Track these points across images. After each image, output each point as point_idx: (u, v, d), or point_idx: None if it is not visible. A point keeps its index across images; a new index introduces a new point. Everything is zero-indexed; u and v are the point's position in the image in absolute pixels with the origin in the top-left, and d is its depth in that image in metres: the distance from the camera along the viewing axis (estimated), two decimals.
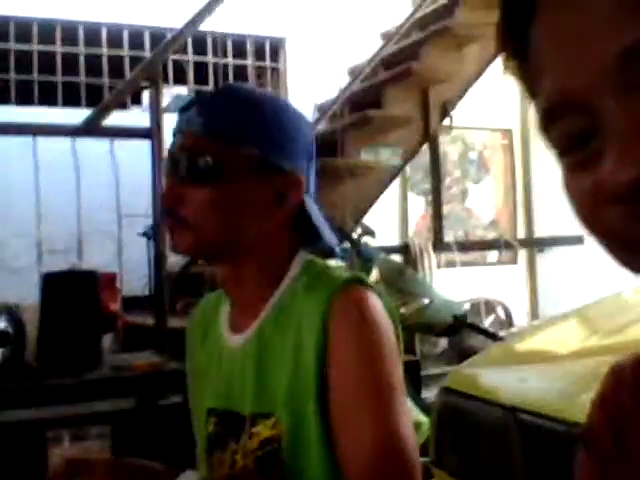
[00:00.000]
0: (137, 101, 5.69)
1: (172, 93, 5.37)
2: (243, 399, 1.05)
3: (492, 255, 6.47)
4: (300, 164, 1.07)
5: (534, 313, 6.34)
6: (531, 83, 0.43)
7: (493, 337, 3.81)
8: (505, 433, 2.16)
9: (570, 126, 0.39)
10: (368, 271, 3.55)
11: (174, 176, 1.04)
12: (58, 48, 5.59)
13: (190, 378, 1.22)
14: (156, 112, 3.22)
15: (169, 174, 1.06)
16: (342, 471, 0.95)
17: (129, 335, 3.17)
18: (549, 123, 0.41)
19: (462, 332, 4.02)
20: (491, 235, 6.48)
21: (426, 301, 3.70)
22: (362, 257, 3.64)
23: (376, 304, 0.99)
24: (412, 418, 0.99)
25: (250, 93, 1.07)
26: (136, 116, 4.47)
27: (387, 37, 5.16)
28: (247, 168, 1.03)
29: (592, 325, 2.82)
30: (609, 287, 2.91)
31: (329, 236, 1.11)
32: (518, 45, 0.43)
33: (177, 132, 1.07)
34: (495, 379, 2.43)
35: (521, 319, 6.02)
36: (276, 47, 6.04)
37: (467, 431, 2.36)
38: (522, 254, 6.57)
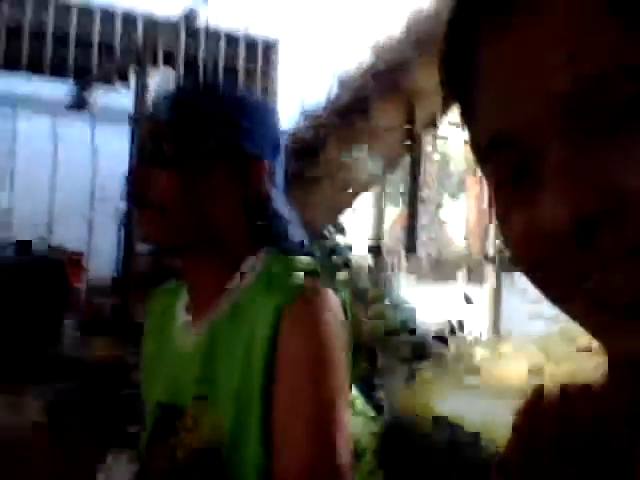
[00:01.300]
0: (126, 84, 5.65)
1: (161, 76, 5.34)
2: (188, 393, 1.05)
3: (460, 272, 6.52)
4: (264, 149, 1.09)
5: (496, 330, 6.41)
6: (470, 113, 0.42)
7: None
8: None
9: (508, 161, 0.39)
10: (337, 270, 3.57)
11: (142, 161, 1.08)
12: (50, 21, 5.55)
13: (143, 367, 1.22)
14: (140, 96, 3.22)
15: (138, 160, 1.12)
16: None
17: (91, 317, 3.17)
18: (486, 155, 0.40)
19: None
20: (461, 250, 6.53)
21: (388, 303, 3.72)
22: (335, 255, 3.67)
23: (332, 307, 0.99)
24: (353, 424, 1.01)
25: (215, 86, 1.18)
26: (123, 97, 4.45)
27: (377, 49, 5.19)
28: (211, 152, 1.05)
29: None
30: None
31: (294, 232, 1.12)
32: (459, 77, 0.42)
33: (146, 119, 1.17)
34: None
35: (483, 334, 6.11)
36: (268, 47, 6.07)
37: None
38: (489, 271, 6.62)
